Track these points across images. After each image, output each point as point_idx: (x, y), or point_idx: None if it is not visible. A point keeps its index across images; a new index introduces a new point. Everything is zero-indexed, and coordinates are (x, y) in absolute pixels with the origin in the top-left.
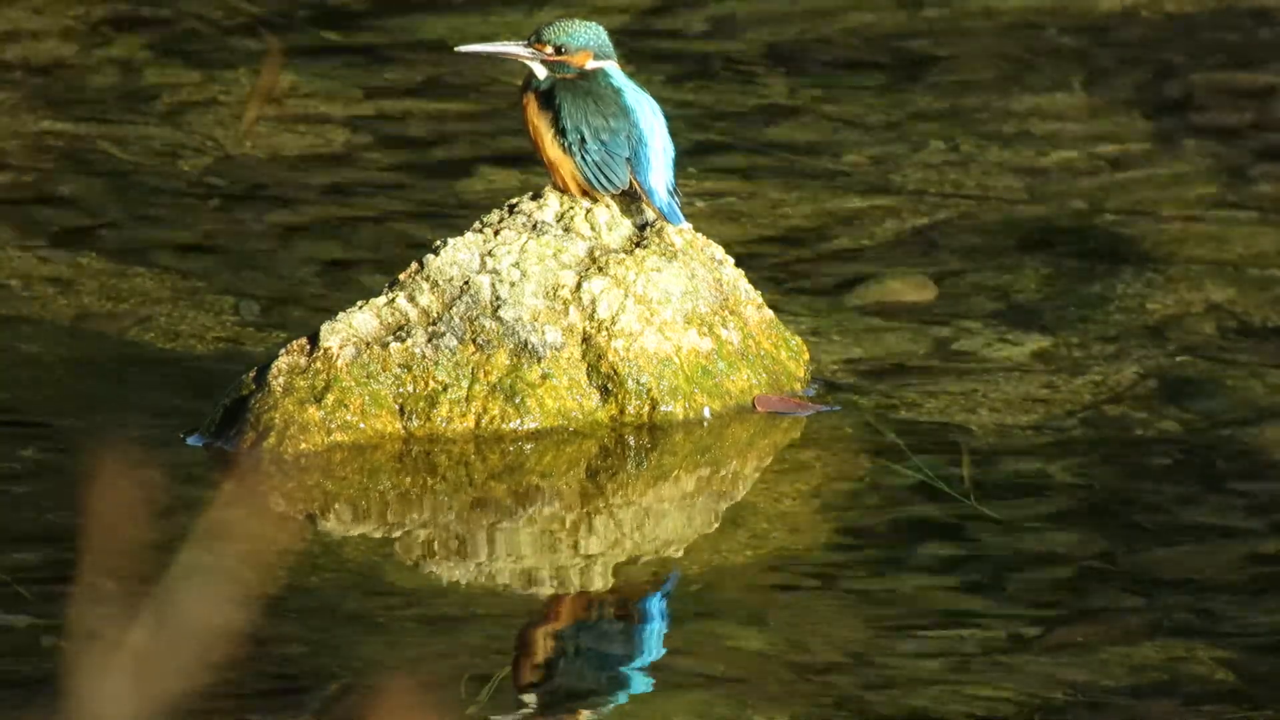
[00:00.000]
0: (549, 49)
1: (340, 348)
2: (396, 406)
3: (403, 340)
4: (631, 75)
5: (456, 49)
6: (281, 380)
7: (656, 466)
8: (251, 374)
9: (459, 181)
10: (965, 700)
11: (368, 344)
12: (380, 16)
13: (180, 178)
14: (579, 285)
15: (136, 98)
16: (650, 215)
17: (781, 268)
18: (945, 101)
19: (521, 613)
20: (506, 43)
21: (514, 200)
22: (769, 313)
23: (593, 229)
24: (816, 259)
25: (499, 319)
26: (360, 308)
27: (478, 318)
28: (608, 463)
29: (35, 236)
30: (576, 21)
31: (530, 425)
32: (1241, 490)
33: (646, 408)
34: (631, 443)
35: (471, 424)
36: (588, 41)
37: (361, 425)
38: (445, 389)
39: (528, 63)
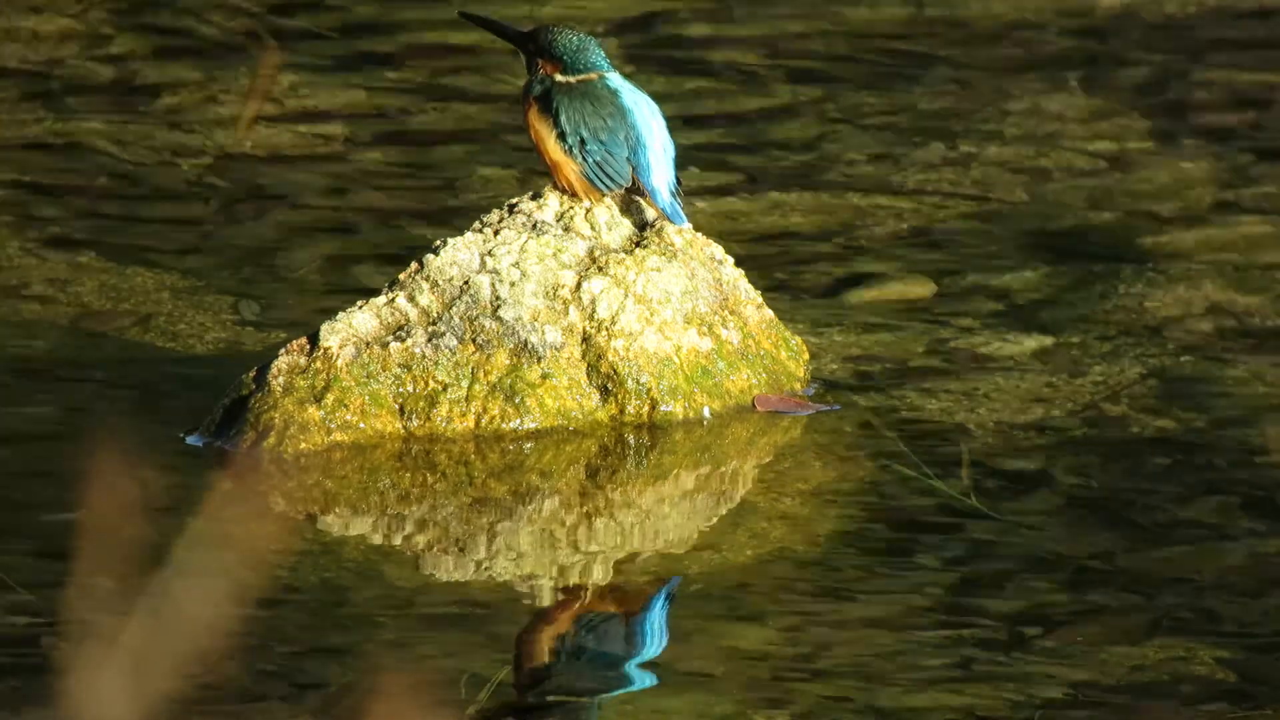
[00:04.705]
0: (557, 70)
1: (340, 347)
2: (396, 406)
3: (403, 340)
4: (631, 76)
5: (460, 13)
6: (281, 380)
7: (656, 466)
8: (251, 374)
9: (459, 181)
10: (965, 700)
11: (368, 344)
12: (380, 16)
13: (180, 178)
14: (579, 285)
15: (136, 98)
16: (651, 215)
17: (781, 268)
18: (945, 101)
19: (521, 612)
20: (512, 31)
21: (514, 200)
22: (769, 312)
23: (593, 229)
24: (816, 259)
25: (499, 319)
26: (360, 308)
27: (478, 318)
28: (608, 462)
29: (35, 236)
30: (589, 40)
31: (530, 425)
32: (1241, 490)
33: (646, 407)
34: (631, 442)
35: (471, 424)
36: (597, 62)
37: (361, 425)
38: (445, 389)
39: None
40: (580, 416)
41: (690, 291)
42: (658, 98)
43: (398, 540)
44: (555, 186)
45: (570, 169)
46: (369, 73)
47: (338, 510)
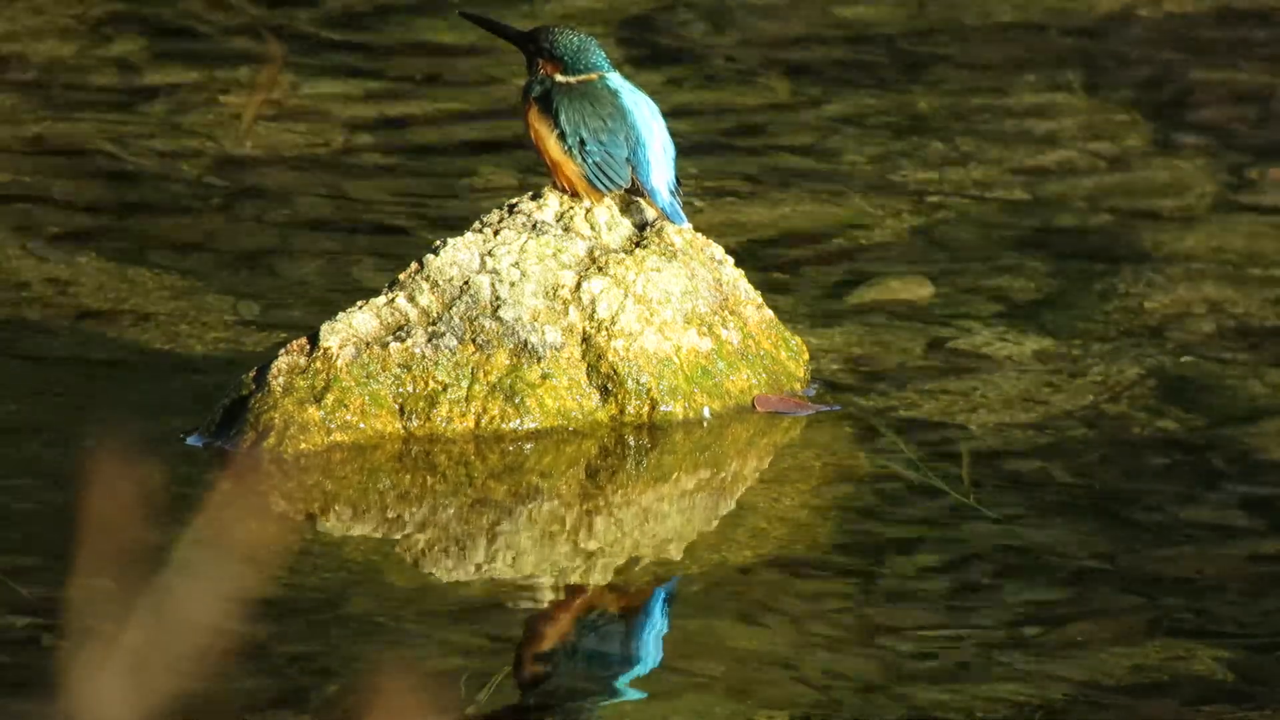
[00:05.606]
0: (557, 71)
1: (340, 348)
2: (396, 406)
3: (403, 340)
4: (631, 75)
5: (461, 12)
6: (281, 380)
7: (656, 466)
8: (251, 374)
9: (459, 181)
10: (965, 700)
11: (368, 344)
12: (380, 16)
13: (180, 178)
14: (579, 285)
15: (136, 98)
16: (651, 215)
17: (781, 268)
18: (945, 101)
19: (521, 612)
20: (512, 32)
21: (514, 200)
22: (769, 313)
23: (592, 229)
24: (816, 259)
25: (499, 319)
26: (360, 308)
27: (477, 318)
28: (608, 463)
29: (35, 236)
30: (589, 40)
31: (530, 425)
32: (1241, 490)
33: (646, 408)
34: (631, 443)
35: (471, 424)
36: (598, 63)
37: (361, 425)
38: (445, 389)
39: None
40: (580, 417)
41: (690, 291)
42: (657, 98)
43: (398, 541)
44: (555, 186)
45: (570, 169)
46: (369, 73)
47: (338, 511)
